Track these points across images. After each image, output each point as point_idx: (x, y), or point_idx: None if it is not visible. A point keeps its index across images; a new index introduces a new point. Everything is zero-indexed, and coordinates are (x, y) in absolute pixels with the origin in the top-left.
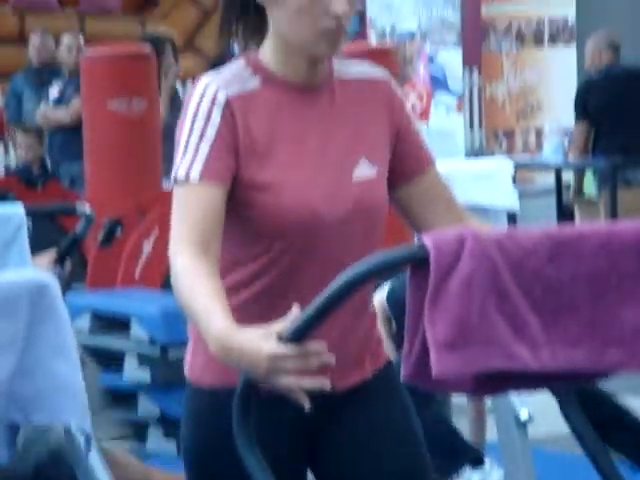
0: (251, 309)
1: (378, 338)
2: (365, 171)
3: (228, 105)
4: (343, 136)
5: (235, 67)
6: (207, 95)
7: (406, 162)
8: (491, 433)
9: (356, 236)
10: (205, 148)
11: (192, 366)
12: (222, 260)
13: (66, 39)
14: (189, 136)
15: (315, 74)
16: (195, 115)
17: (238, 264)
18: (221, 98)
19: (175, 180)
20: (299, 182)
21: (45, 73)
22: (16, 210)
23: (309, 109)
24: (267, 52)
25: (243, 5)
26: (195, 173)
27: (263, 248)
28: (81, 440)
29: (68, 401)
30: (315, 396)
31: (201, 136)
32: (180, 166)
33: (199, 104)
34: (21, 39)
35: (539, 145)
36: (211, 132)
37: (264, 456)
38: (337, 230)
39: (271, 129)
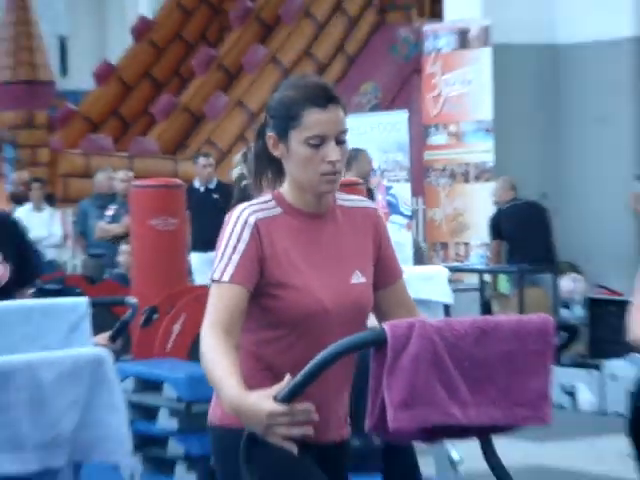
0: (265, 370)
1: (343, 417)
2: (359, 279)
3: (256, 226)
4: (343, 252)
5: (263, 200)
6: (241, 218)
7: (382, 273)
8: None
9: (348, 323)
10: (236, 258)
11: (214, 412)
12: (248, 342)
13: (120, 174)
14: (225, 247)
15: (321, 205)
16: (231, 233)
17: (261, 343)
18: (251, 221)
19: (212, 279)
20: (314, 286)
21: (104, 198)
22: (82, 301)
23: (318, 232)
24: (286, 190)
25: (268, 159)
26: (227, 276)
27: (281, 332)
28: (127, 473)
29: (118, 445)
30: (307, 446)
31: (234, 248)
32: (216, 269)
33: (235, 224)
34: (87, 175)
35: (467, 255)
36: (241, 246)
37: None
38: (336, 319)
39: (291, 245)
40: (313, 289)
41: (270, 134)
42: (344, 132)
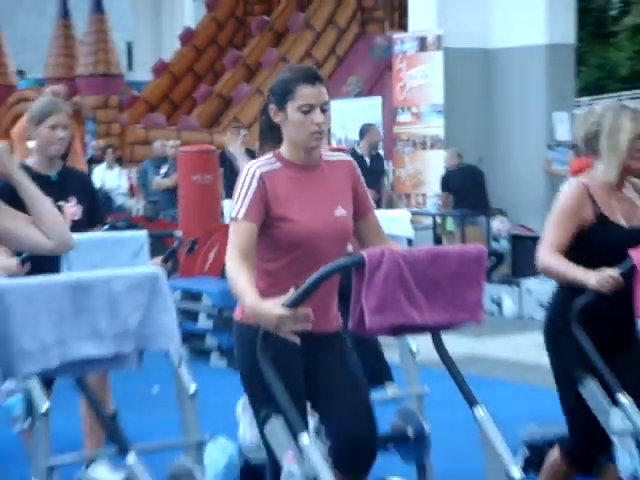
0: (274, 285)
1: (333, 313)
2: (340, 212)
3: (261, 177)
4: (328, 193)
5: (266, 157)
6: (250, 172)
7: (358, 206)
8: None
9: (334, 247)
10: (247, 201)
11: (238, 314)
12: (260, 261)
13: (170, 142)
14: (239, 194)
15: (310, 159)
16: (243, 183)
17: (269, 264)
18: (257, 174)
19: (231, 218)
20: (306, 218)
21: (159, 160)
22: (142, 234)
23: (308, 179)
24: (284, 149)
25: (270, 129)
26: (241, 215)
27: (284, 255)
28: (176, 356)
29: (169, 338)
30: (303, 336)
31: (245, 194)
32: (234, 210)
33: (245, 177)
34: (146, 143)
35: (424, 202)
36: (250, 193)
37: (279, 373)
38: (324, 245)
39: (288, 189)
40: (306, 221)
41: (272, 107)
42: (326, 103)
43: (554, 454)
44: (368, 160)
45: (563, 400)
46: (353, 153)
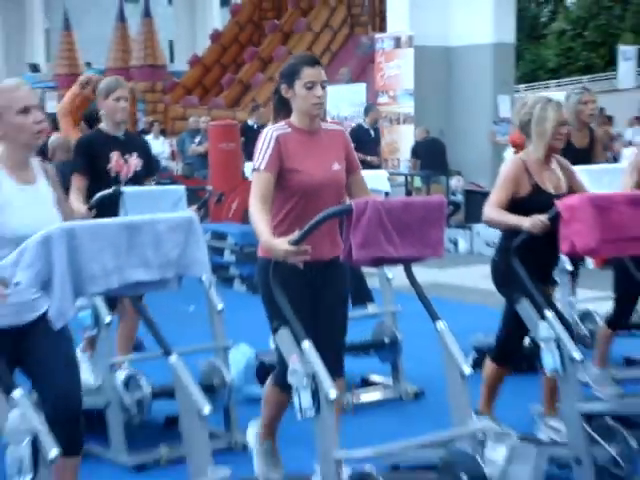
0: (288, 223)
1: (337, 242)
2: (336, 167)
3: (277, 139)
4: (326, 152)
5: (280, 124)
6: (268, 134)
7: (348, 165)
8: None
9: (331, 196)
10: (266, 156)
11: (259, 250)
12: (276, 207)
13: (203, 118)
14: (260, 151)
15: (313, 126)
16: (263, 142)
17: (283, 207)
18: (274, 135)
19: (253, 170)
20: (311, 170)
21: (194, 132)
22: (181, 188)
23: (312, 141)
24: (293, 118)
25: (282, 102)
26: (262, 167)
27: (294, 199)
28: (207, 282)
29: (202, 267)
30: (306, 264)
31: (265, 151)
32: (256, 163)
33: (265, 137)
34: (184, 118)
35: (398, 165)
36: (269, 150)
37: (287, 293)
38: (324, 191)
39: (296, 148)
40: (310, 172)
41: (283, 86)
42: (325, 81)
43: (487, 361)
44: (372, 132)
45: (506, 318)
46: (360, 126)
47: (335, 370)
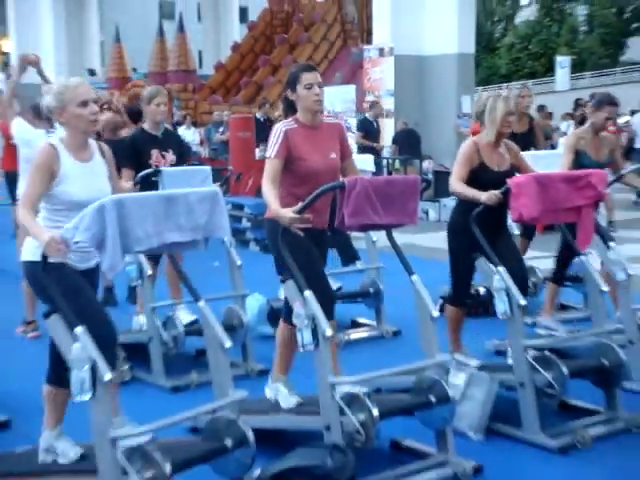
0: (292, 198)
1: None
2: (333, 155)
3: (285, 133)
4: (325, 144)
5: (288, 120)
6: (279, 129)
7: (343, 153)
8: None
9: (327, 178)
10: (276, 147)
11: (267, 214)
12: (284, 185)
13: (225, 112)
14: (272, 141)
15: (315, 121)
16: (274, 134)
17: (292, 188)
18: (283, 129)
19: (266, 157)
20: (312, 158)
21: (218, 124)
22: (207, 168)
23: (313, 134)
24: (298, 115)
25: (289, 104)
26: (272, 155)
27: (300, 182)
28: (228, 243)
29: (224, 231)
30: (309, 230)
31: (275, 142)
32: (268, 151)
33: (276, 131)
34: (210, 113)
35: (382, 150)
36: (279, 141)
37: (295, 250)
38: (322, 175)
39: (301, 140)
40: (312, 160)
41: (289, 91)
42: (321, 83)
43: (447, 306)
44: (375, 123)
45: (454, 268)
46: (365, 119)
47: (330, 311)
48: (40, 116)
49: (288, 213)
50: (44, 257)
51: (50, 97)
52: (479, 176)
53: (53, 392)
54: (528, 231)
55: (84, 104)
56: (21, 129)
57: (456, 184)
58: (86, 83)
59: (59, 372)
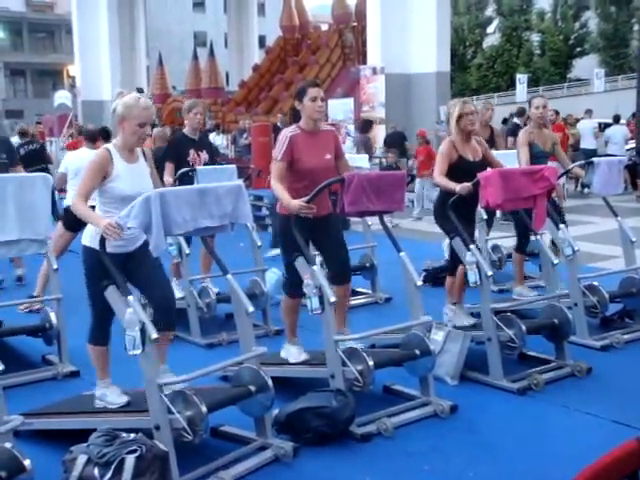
0: (295, 193)
1: (333, 201)
2: (328, 157)
3: (290, 138)
4: (322, 147)
5: (293, 127)
6: (285, 135)
7: (336, 154)
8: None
9: (323, 176)
10: (282, 150)
11: (280, 208)
12: (288, 182)
13: (247, 121)
14: (279, 146)
15: (316, 127)
16: (281, 139)
17: (294, 183)
18: (289, 135)
19: (274, 159)
20: (311, 159)
21: (241, 130)
22: (233, 166)
23: (314, 139)
24: (302, 123)
25: (296, 113)
26: (279, 157)
27: (300, 178)
28: (250, 227)
29: (247, 217)
30: (312, 216)
31: (282, 146)
32: (275, 154)
33: (282, 137)
34: (236, 122)
35: (375, 150)
36: (285, 145)
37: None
38: (319, 173)
39: (303, 144)
40: (311, 160)
41: (296, 102)
42: (323, 97)
43: (447, 277)
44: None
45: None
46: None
47: (344, 276)
48: (93, 140)
49: (297, 203)
50: (102, 239)
51: (121, 105)
52: (459, 167)
53: (94, 349)
54: (489, 217)
55: (142, 126)
56: (70, 160)
57: (438, 177)
58: (152, 109)
59: (97, 333)
